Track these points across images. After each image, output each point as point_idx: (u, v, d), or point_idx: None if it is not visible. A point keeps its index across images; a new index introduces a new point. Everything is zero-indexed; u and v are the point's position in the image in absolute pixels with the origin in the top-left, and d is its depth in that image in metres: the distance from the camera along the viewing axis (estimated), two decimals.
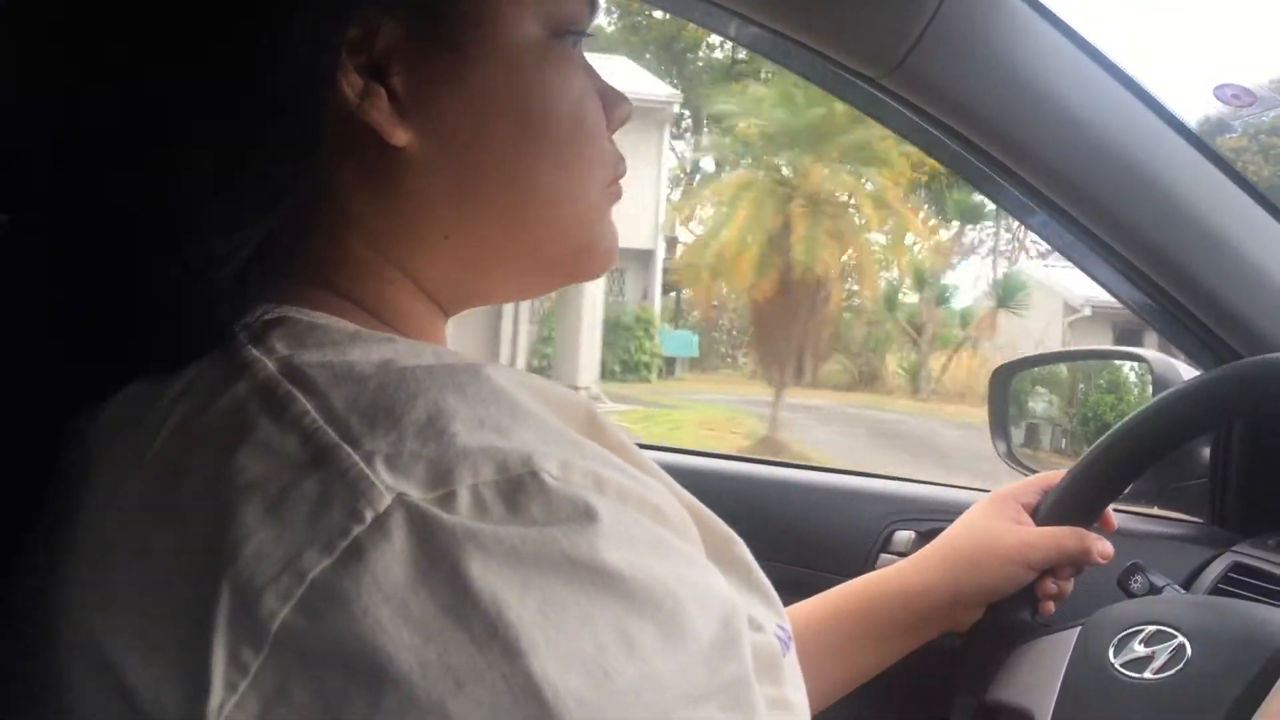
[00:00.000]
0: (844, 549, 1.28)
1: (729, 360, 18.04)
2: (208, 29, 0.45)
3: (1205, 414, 0.95)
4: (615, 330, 15.62)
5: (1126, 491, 1.01)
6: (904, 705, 1.09)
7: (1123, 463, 0.97)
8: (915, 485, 1.39)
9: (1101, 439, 0.97)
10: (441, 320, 0.56)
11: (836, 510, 1.35)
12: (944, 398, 15.90)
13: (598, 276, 0.59)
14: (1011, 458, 1.43)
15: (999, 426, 1.45)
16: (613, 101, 0.58)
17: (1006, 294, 16.20)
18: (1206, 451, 1.26)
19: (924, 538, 1.21)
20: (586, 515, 0.40)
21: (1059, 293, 16.10)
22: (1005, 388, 1.47)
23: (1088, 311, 15.27)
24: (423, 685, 0.36)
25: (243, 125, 0.45)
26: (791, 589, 0.91)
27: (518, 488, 0.39)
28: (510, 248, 0.55)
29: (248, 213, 0.45)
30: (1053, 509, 0.98)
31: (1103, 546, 0.95)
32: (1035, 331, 14.89)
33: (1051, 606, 0.97)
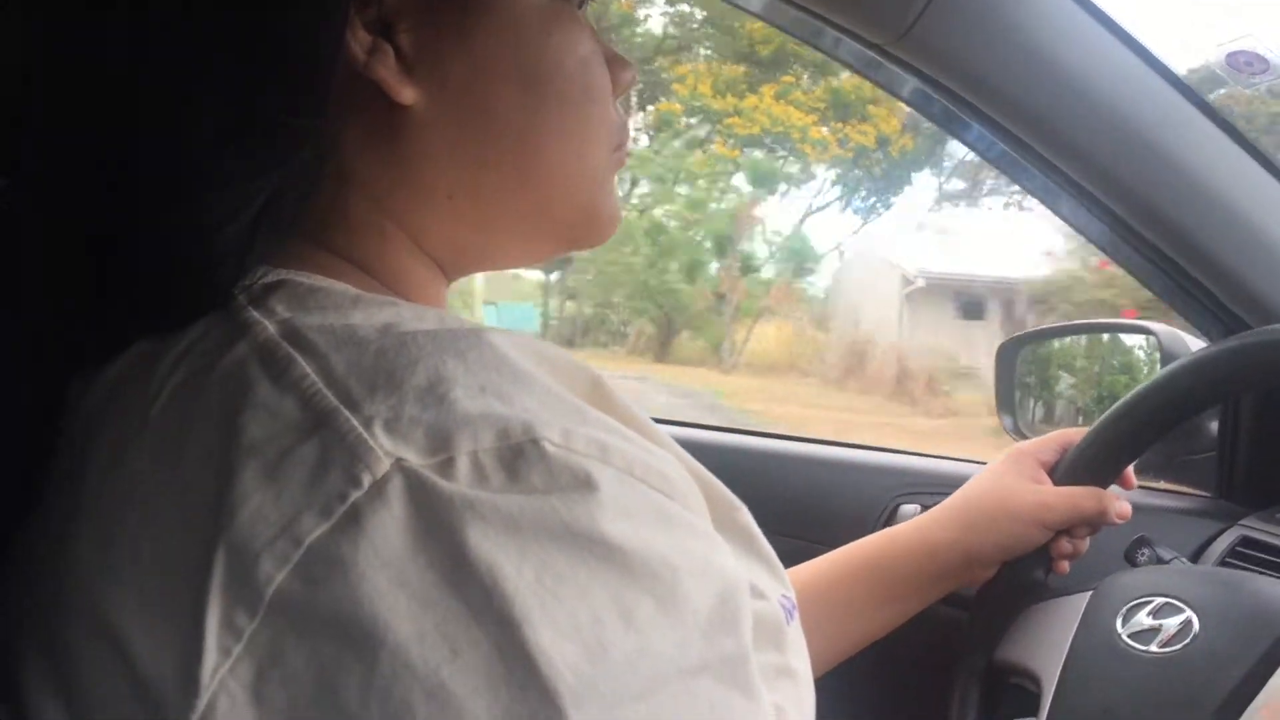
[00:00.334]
0: (849, 523, 1.27)
1: (621, 335, 16.62)
2: None
3: (1236, 374, 0.92)
4: None
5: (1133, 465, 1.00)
6: (907, 672, 1.09)
7: (1145, 423, 0.95)
8: (922, 459, 1.39)
9: (1123, 399, 0.96)
10: (443, 284, 0.56)
11: (842, 484, 1.34)
12: (755, 370, 15.38)
13: (599, 243, 0.59)
14: (1018, 433, 1.42)
15: (1005, 401, 1.44)
16: (618, 66, 0.57)
17: (797, 262, 15.95)
18: (1214, 425, 1.25)
19: None
20: (587, 484, 0.39)
21: (897, 264, 15.80)
22: (1011, 362, 1.46)
23: (921, 283, 15.04)
24: (419, 653, 0.36)
25: (250, 80, 0.44)
26: (796, 564, 0.91)
27: (518, 455, 0.39)
28: (513, 209, 0.54)
29: (253, 169, 0.45)
30: (1071, 469, 0.96)
31: (1120, 507, 0.94)
32: (873, 303, 14.63)
33: (1066, 566, 0.96)
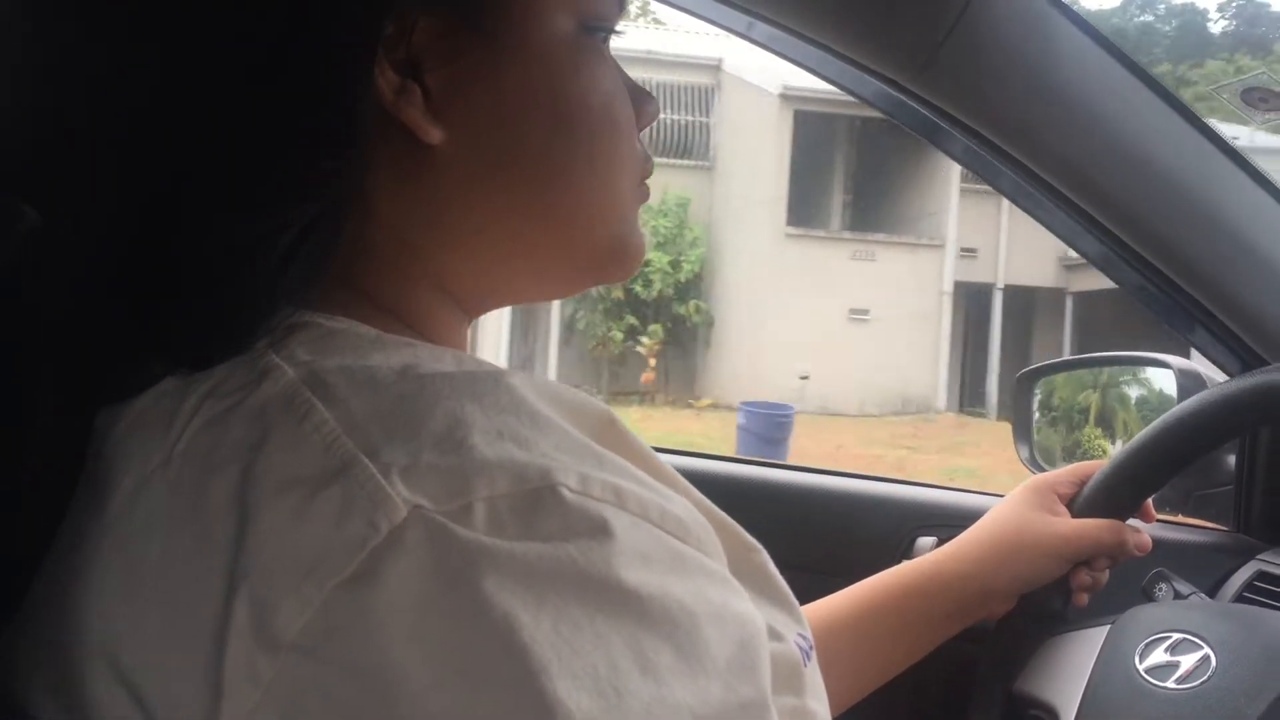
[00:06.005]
0: (866, 556, 1.26)
1: None
2: (248, 22, 0.45)
3: (1259, 408, 0.90)
4: None
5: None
6: (925, 707, 1.09)
7: (1165, 456, 0.95)
8: (939, 491, 1.38)
9: (1143, 432, 0.96)
10: (465, 322, 0.56)
11: (859, 517, 1.34)
12: None
13: (625, 278, 0.58)
14: (1034, 463, 1.42)
15: (1022, 432, 1.44)
16: (642, 99, 0.58)
17: None
18: (1232, 459, 1.25)
19: None
20: (603, 531, 0.39)
21: None
22: (1028, 393, 1.46)
23: None
24: (436, 701, 0.36)
25: (278, 122, 0.45)
26: (812, 597, 0.91)
27: (535, 502, 0.39)
28: (541, 246, 0.54)
29: (279, 210, 0.45)
30: (1089, 501, 0.96)
31: (1140, 539, 0.93)
32: None
33: (1085, 598, 0.96)
